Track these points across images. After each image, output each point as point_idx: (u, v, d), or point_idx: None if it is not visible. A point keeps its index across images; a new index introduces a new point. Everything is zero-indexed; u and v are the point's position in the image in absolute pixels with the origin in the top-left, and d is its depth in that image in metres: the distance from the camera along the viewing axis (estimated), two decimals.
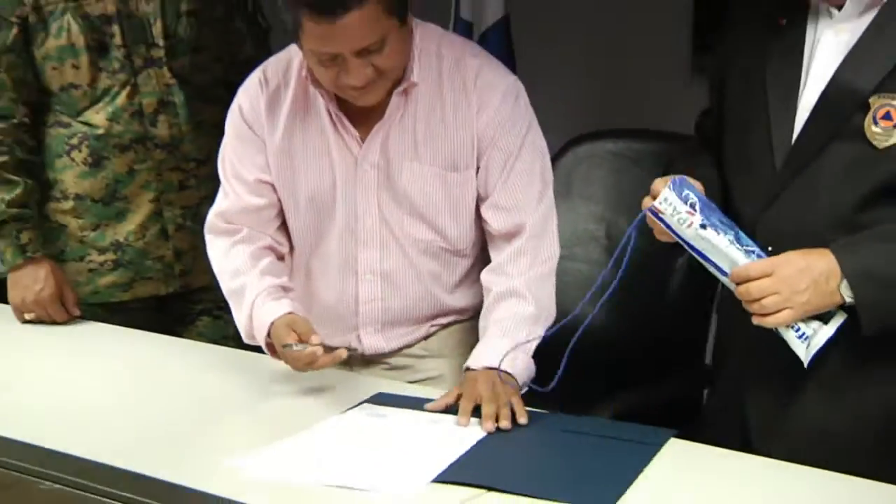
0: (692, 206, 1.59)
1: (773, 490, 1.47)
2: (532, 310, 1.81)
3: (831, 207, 1.63)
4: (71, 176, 2.35)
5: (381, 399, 1.76)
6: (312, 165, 1.88)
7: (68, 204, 2.37)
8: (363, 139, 1.83)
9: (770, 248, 1.63)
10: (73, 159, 2.34)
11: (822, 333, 1.57)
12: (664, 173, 1.77)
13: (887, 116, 1.63)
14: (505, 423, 1.63)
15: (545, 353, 1.83)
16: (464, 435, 1.62)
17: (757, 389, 1.72)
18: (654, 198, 1.61)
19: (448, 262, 1.91)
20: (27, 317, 2.32)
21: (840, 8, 1.65)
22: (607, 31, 3.65)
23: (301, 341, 1.71)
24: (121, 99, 2.30)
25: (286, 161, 1.89)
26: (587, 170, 2.55)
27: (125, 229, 2.36)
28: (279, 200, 1.91)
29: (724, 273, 1.59)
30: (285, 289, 1.86)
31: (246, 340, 1.87)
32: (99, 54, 2.29)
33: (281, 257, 1.93)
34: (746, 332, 1.62)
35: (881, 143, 1.61)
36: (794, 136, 1.69)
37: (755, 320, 1.58)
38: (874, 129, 1.63)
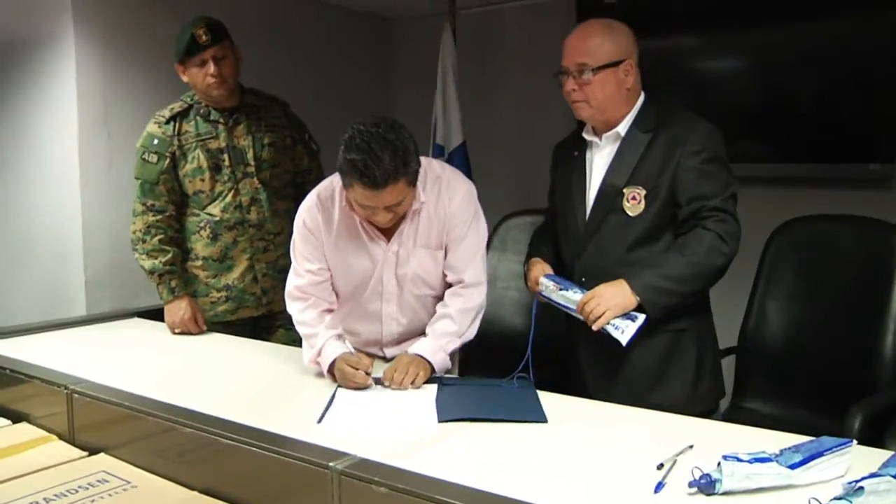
0: (554, 281, 2.03)
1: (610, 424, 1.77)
2: (455, 328, 2.08)
3: (612, 252, 2.05)
4: (200, 245, 2.78)
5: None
6: (354, 256, 2.08)
7: (198, 262, 2.80)
8: (386, 237, 2.04)
9: (583, 279, 2.05)
10: (200, 235, 2.78)
11: (631, 327, 1.93)
12: (528, 246, 2.27)
13: (634, 198, 2.02)
14: (406, 380, 1.92)
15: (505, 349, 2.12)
16: (424, 395, 1.87)
17: (593, 363, 2.13)
18: (536, 282, 2.06)
19: (434, 302, 2.18)
20: (176, 331, 2.77)
21: (600, 139, 2.08)
22: (529, 147, 4.15)
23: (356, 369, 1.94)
24: (228, 198, 2.75)
25: (337, 254, 2.09)
26: (516, 234, 3.05)
27: (232, 276, 2.80)
28: (331, 277, 2.13)
29: (573, 310, 1.98)
30: (341, 336, 2.08)
31: (308, 365, 2.09)
32: (216, 171, 2.73)
33: (332, 311, 2.15)
34: (588, 335, 1.99)
35: (632, 213, 2.03)
36: (587, 214, 2.08)
37: (595, 326, 1.95)
38: (627, 205, 2.03)
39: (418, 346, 2.06)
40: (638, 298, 1.94)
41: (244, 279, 2.81)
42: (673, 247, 1.99)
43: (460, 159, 3.73)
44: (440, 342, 2.05)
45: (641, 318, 1.94)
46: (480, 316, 2.12)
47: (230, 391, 2.04)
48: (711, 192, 1.98)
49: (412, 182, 1.90)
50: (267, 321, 2.93)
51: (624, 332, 1.93)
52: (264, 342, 2.73)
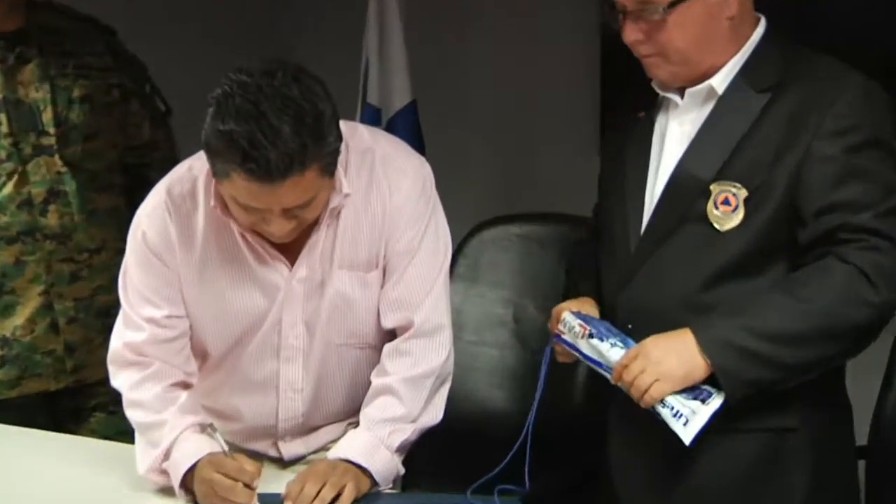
0: (584, 321, 1.79)
1: None
2: (402, 410, 1.82)
3: (678, 288, 1.78)
4: None
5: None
6: (233, 290, 1.85)
7: None
8: (287, 256, 1.81)
9: (630, 326, 1.80)
10: None
11: (703, 413, 1.66)
12: (566, 273, 2.10)
13: (726, 202, 1.76)
14: (323, 499, 1.69)
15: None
16: None
17: (631, 469, 1.88)
18: (557, 321, 1.84)
19: (368, 358, 1.90)
20: None
21: (683, 96, 1.79)
22: (514, 116, 3.74)
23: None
24: (8, 189, 2.25)
25: (203, 289, 1.85)
26: (494, 254, 2.57)
27: (12, 324, 2.29)
28: (191, 330, 1.87)
29: (608, 373, 1.75)
30: (205, 426, 1.83)
31: (146, 475, 1.83)
32: None
33: (189, 386, 1.91)
34: (623, 416, 1.81)
35: (722, 227, 1.75)
36: (645, 221, 1.84)
37: (642, 404, 1.69)
38: (715, 212, 1.77)
39: (344, 445, 1.80)
40: (707, 361, 1.65)
41: (33, 328, 2.35)
42: (779, 284, 1.72)
43: (407, 129, 3.26)
44: (379, 434, 1.79)
45: (717, 400, 1.65)
46: (447, 385, 1.89)
47: None
48: (861, 200, 1.70)
49: (329, 169, 1.66)
50: (75, 400, 2.46)
51: (689, 421, 1.64)
52: (69, 436, 2.28)
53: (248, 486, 1.70)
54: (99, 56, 2.40)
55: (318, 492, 1.69)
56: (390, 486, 1.82)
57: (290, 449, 1.93)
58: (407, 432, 1.82)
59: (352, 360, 1.91)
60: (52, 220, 2.28)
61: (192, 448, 1.76)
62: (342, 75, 3.01)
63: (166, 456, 1.77)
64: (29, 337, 2.30)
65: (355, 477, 1.73)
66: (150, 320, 1.83)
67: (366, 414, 1.82)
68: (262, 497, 1.72)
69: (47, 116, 2.28)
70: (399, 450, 1.80)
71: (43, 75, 2.29)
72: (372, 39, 3.33)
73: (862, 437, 2.16)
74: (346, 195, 1.76)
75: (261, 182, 1.58)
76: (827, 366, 1.78)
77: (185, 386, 1.87)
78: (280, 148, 1.56)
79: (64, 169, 2.29)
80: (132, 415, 1.84)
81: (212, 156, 1.64)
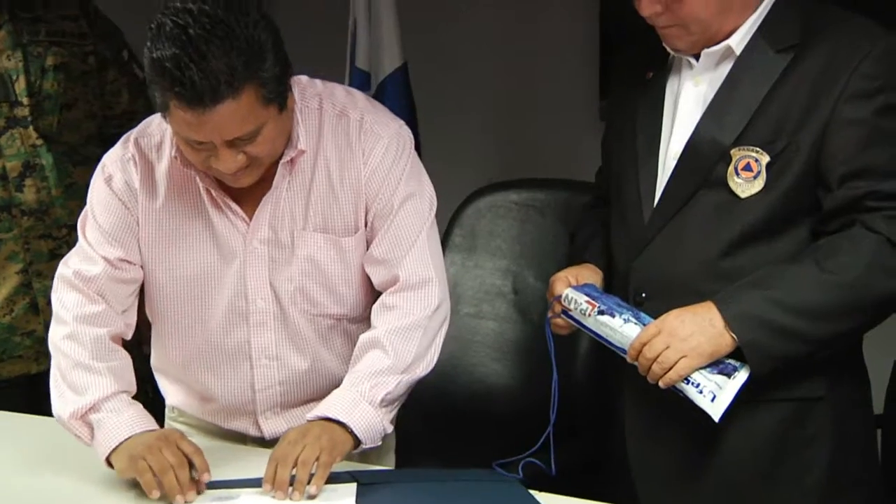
0: (590, 297, 1.79)
1: None
2: (388, 362, 1.80)
3: (697, 254, 1.76)
4: None
5: (221, 484, 1.77)
6: (194, 248, 1.85)
7: None
8: (249, 214, 1.80)
9: (644, 294, 1.80)
10: None
11: (730, 387, 1.65)
12: (571, 239, 2.07)
13: (748, 168, 1.75)
14: (296, 495, 1.66)
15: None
16: None
17: (646, 445, 1.87)
18: (553, 295, 1.85)
19: (346, 331, 1.89)
20: None
21: (698, 58, 1.78)
22: (509, 77, 3.73)
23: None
24: None
25: (163, 244, 1.85)
26: (491, 222, 2.57)
27: None
28: (143, 282, 1.88)
29: (622, 350, 1.74)
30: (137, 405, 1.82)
31: (64, 420, 1.79)
32: None
33: (125, 341, 1.90)
34: (637, 391, 1.79)
35: (743, 193, 1.73)
36: (661, 186, 1.82)
37: (661, 383, 1.68)
38: (736, 179, 1.75)
39: (323, 403, 1.76)
40: (734, 337, 1.64)
41: (12, 308, 2.35)
42: (806, 253, 1.70)
43: (397, 93, 3.22)
44: (361, 388, 1.74)
45: (742, 374, 1.64)
46: (441, 334, 1.84)
47: None
48: (889, 165, 1.67)
49: (270, 97, 1.64)
50: None
51: (717, 397, 1.62)
52: (51, 419, 2.07)
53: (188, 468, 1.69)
54: (73, 21, 2.37)
55: (295, 462, 1.68)
56: (378, 444, 1.80)
57: (271, 427, 1.91)
58: (390, 385, 1.79)
59: (332, 334, 1.90)
60: (28, 195, 2.25)
61: (127, 417, 1.74)
62: (328, 38, 3.32)
63: (94, 409, 1.74)
64: (7, 318, 2.28)
65: (331, 437, 1.71)
66: (106, 259, 1.83)
67: (352, 371, 1.81)
68: (211, 485, 1.71)
69: (20, 86, 2.25)
70: (384, 404, 1.79)
71: (14, 43, 2.25)
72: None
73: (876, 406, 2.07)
74: (301, 151, 1.77)
75: (193, 108, 1.58)
76: (854, 337, 1.78)
77: (121, 343, 1.85)
78: (206, 70, 1.56)
79: (39, 141, 2.27)
80: (66, 347, 1.81)
81: (151, 88, 1.64)
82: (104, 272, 1.83)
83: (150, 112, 2.44)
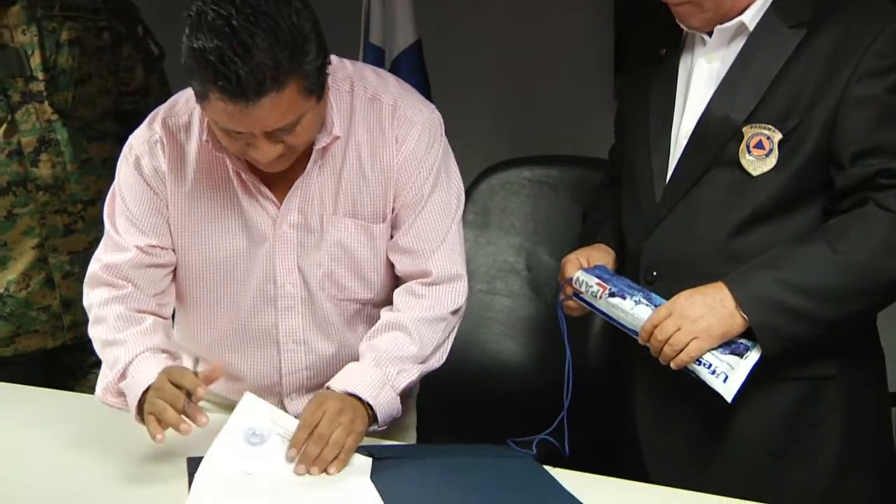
0: (601, 279, 1.79)
1: None
2: (414, 349, 1.81)
3: (708, 235, 1.76)
4: None
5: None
6: (223, 231, 1.83)
7: None
8: (279, 198, 1.79)
9: (655, 273, 1.80)
10: None
11: (742, 368, 1.65)
12: (583, 217, 2.07)
13: (759, 145, 1.74)
14: (314, 470, 1.66)
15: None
16: (354, 486, 1.63)
17: (658, 426, 1.87)
18: (564, 278, 1.85)
19: (370, 315, 1.89)
20: None
21: (710, 34, 1.76)
22: (523, 54, 3.71)
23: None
24: None
25: (192, 227, 1.83)
26: (504, 199, 2.57)
27: (6, 279, 2.27)
28: (176, 266, 1.86)
29: (633, 332, 1.74)
30: (171, 354, 1.81)
31: (103, 399, 1.80)
32: None
33: (160, 317, 1.89)
34: (649, 372, 1.79)
35: (755, 171, 1.72)
36: (672, 164, 1.81)
37: (673, 365, 1.67)
38: (748, 157, 1.74)
39: (353, 378, 1.74)
40: (745, 318, 1.64)
41: (28, 283, 2.33)
42: (817, 234, 1.69)
43: (411, 70, 3.20)
44: (388, 371, 1.74)
45: (754, 354, 1.64)
46: (454, 331, 1.85)
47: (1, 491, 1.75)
48: None
49: (312, 88, 1.61)
50: (73, 357, 2.45)
51: (729, 378, 1.63)
52: (68, 393, 2.25)
53: (189, 395, 1.66)
54: None
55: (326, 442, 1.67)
56: (384, 427, 1.81)
57: (296, 407, 1.88)
58: (413, 374, 1.80)
59: (357, 319, 1.90)
60: (44, 170, 2.26)
61: (148, 370, 1.73)
62: (343, 13, 3.19)
63: (122, 376, 1.75)
64: (24, 293, 2.29)
65: (363, 421, 1.72)
66: (138, 247, 1.82)
67: (375, 346, 1.81)
68: (192, 462, 1.71)
69: (36, 61, 2.24)
70: (401, 392, 1.79)
71: (29, 17, 2.24)
72: None
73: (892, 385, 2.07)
74: (336, 137, 1.75)
75: (235, 101, 1.56)
76: (866, 317, 1.78)
77: (155, 315, 1.85)
78: (251, 64, 1.53)
79: (55, 117, 2.26)
80: (94, 332, 1.82)
81: (189, 76, 1.61)
82: (134, 258, 1.83)
83: (165, 88, 2.55)
